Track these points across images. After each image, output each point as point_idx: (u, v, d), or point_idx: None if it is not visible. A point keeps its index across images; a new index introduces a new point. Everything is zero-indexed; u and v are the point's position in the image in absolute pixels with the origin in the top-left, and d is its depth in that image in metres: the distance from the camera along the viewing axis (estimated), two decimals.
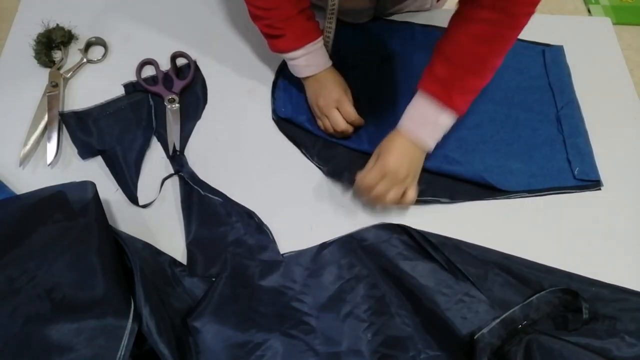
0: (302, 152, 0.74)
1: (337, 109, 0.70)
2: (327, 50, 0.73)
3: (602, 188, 0.73)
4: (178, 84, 0.77)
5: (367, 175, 0.63)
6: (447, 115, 0.62)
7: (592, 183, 0.73)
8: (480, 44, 0.59)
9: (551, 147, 0.76)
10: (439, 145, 0.73)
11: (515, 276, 0.64)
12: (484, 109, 0.78)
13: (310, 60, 0.69)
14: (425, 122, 0.63)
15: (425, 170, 0.69)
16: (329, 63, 0.71)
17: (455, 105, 0.61)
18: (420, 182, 0.67)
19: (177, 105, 0.75)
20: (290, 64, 0.71)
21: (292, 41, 0.68)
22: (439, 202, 0.70)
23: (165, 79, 0.77)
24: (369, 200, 0.66)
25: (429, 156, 0.69)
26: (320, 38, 0.70)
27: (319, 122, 0.73)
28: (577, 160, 0.74)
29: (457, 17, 0.62)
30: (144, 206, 0.68)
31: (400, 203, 0.64)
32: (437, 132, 0.64)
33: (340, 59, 0.74)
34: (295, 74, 0.72)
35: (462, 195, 0.71)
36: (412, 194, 0.64)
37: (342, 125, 0.70)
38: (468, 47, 0.60)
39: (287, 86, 0.78)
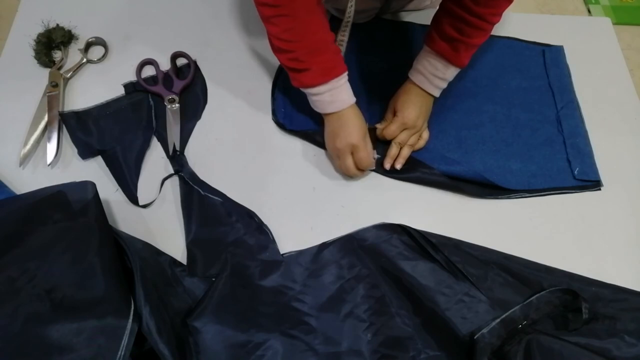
0: (307, 140, 0.74)
1: (352, 153, 0.68)
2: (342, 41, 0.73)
3: (602, 188, 0.73)
4: (178, 84, 0.77)
5: (389, 128, 0.71)
6: (454, 69, 0.69)
7: (592, 183, 0.73)
8: (483, 6, 0.62)
9: (551, 147, 0.76)
10: (439, 146, 0.74)
11: (515, 276, 0.64)
12: (484, 109, 0.79)
13: (335, 95, 0.67)
14: (434, 76, 0.69)
15: (424, 168, 0.72)
16: (353, 99, 0.68)
17: (462, 61, 0.68)
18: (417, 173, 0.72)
19: (177, 105, 0.75)
20: (313, 99, 0.68)
21: (317, 75, 0.65)
22: (440, 186, 0.71)
23: (165, 79, 0.77)
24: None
25: (429, 157, 0.71)
26: (346, 73, 0.67)
27: (332, 160, 0.73)
28: (577, 161, 0.74)
29: None
30: (144, 206, 0.68)
31: (417, 146, 0.73)
32: (445, 83, 0.71)
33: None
34: (318, 110, 0.69)
35: (463, 192, 0.71)
36: (426, 135, 0.74)
37: (352, 172, 0.69)
38: (474, 8, 0.62)
39: (287, 87, 0.78)
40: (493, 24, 0.65)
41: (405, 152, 0.71)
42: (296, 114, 0.76)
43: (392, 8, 0.86)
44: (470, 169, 0.72)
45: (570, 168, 0.74)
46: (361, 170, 0.70)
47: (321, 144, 0.73)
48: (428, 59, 0.69)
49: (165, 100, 0.75)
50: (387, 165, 0.71)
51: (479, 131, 0.77)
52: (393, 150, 0.71)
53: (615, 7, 0.99)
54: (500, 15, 0.65)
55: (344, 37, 0.71)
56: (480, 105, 0.79)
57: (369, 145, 0.70)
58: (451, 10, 0.65)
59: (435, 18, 0.69)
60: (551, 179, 0.73)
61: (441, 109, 0.77)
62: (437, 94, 0.72)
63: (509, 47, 0.86)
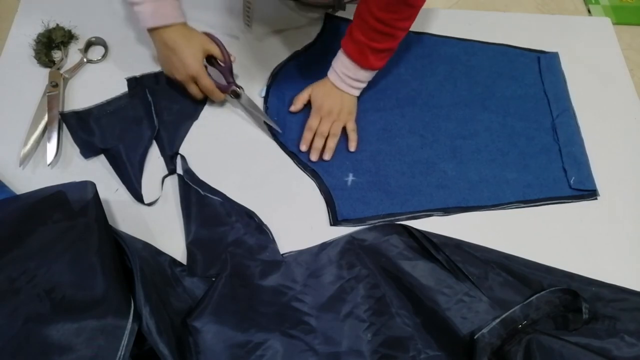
0: (295, 162, 0.73)
1: (194, 82, 0.70)
2: (248, 20, 0.76)
3: (598, 197, 0.72)
4: None
5: (308, 122, 0.73)
6: (364, 71, 0.70)
7: (588, 193, 0.72)
8: (385, 11, 0.62)
9: (547, 156, 0.75)
10: (434, 155, 0.73)
11: (516, 276, 0.64)
12: (479, 117, 0.78)
13: (159, 8, 0.64)
14: (346, 77, 0.71)
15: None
16: (181, 19, 0.67)
17: (371, 65, 0.69)
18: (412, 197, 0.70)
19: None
20: (135, 9, 0.65)
21: None
22: (432, 216, 0.70)
23: None
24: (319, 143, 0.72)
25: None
26: None
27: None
28: (573, 170, 0.73)
29: None
30: (149, 204, 0.68)
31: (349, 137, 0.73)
32: (359, 83, 0.72)
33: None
34: (141, 23, 0.66)
35: (456, 209, 0.70)
36: (351, 125, 0.74)
37: (199, 97, 0.73)
38: (377, 13, 0.63)
39: (280, 96, 0.77)
40: (399, 29, 0.65)
41: (332, 144, 0.72)
42: (289, 126, 0.75)
43: None
44: (457, 194, 0.71)
45: (566, 177, 0.73)
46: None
47: (309, 171, 0.72)
48: (341, 59, 0.71)
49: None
50: (314, 158, 0.72)
51: (474, 140, 0.76)
52: (317, 142, 0.72)
53: (615, 7, 0.99)
54: (407, 19, 0.65)
55: None
56: (475, 114, 0.78)
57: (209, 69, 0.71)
58: (360, 12, 0.65)
59: (354, 19, 0.68)
60: (547, 188, 0.72)
61: (435, 118, 0.76)
62: (353, 93, 0.73)
63: (503, 54, 0.85)
